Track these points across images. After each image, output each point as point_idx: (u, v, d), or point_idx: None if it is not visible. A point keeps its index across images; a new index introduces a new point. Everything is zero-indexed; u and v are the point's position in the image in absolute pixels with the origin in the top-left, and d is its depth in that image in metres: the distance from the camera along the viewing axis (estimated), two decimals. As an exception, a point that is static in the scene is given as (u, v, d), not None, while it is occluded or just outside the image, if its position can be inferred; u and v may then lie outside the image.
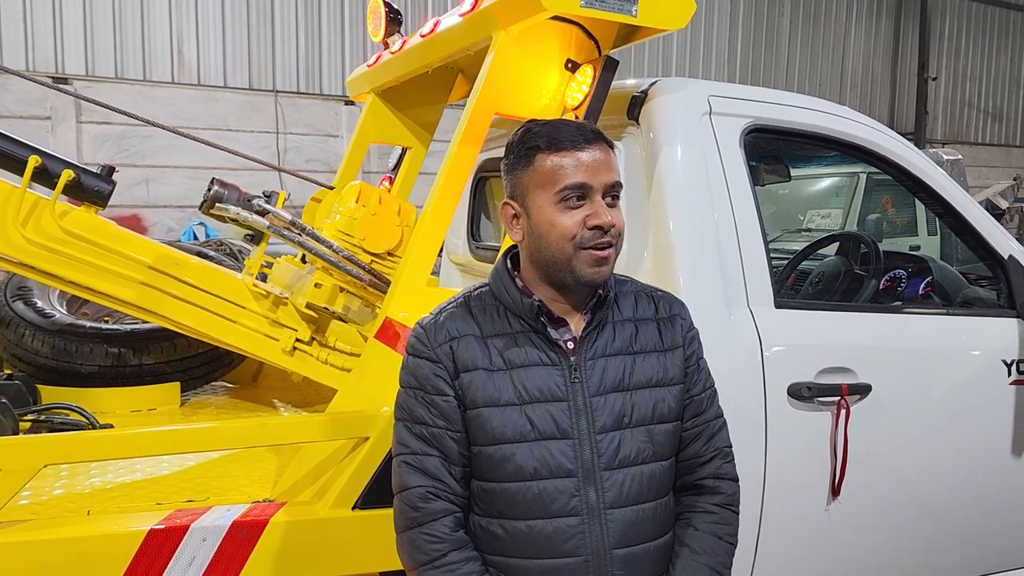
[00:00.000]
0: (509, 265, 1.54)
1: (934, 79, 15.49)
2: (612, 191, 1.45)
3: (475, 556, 1.45)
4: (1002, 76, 16.66)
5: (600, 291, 1.51)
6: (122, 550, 1.58)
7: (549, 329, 1.49)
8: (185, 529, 1.61)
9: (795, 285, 3.07)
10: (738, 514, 1.60)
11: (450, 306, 1.54)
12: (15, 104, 8.18)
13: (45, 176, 2.27)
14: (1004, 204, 10.70)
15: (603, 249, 1.43)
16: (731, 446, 1.63)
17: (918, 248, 7.29)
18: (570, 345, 1.49)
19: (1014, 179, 12.58)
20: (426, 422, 1.46)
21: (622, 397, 1.47)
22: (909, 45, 15.31)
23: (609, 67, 2.09)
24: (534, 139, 1.47)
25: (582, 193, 1.43)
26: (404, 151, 3.20)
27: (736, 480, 1.61)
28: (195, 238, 8.60)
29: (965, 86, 16.19)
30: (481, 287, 1.56)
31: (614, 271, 1.55)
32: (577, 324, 1.51)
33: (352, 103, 9.96)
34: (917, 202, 7.82)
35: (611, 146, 1.50)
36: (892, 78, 15.24)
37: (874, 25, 14.89)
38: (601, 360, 1.48)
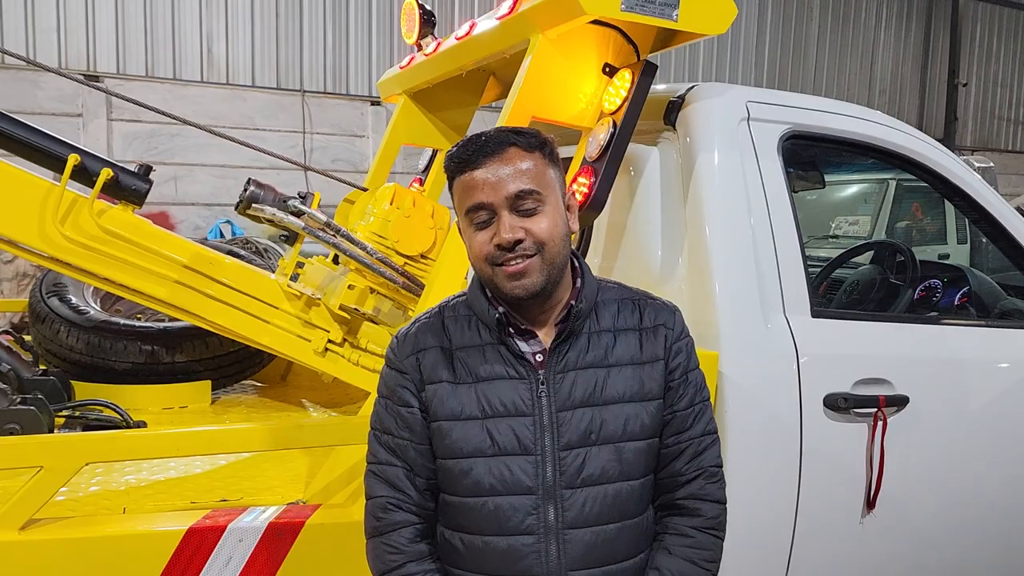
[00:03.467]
0: None
1: (964, 85, 15.27)
2: (520, 201, 1.37)
3: (433, 569, 1.43)
4: (1033, 83, 16.41)
5: (572, 301, 1.45)
6: (161, 548, 1.59)
7: (517, 341, 1.44)
8: (223, 529, 1.62)
9: (828, 293, 3.04)
10: (721, 539, 1.51)
11: (424, 317, 1.52)
12: (48, 101, 8.28)
13: (83, 174, 2.29)
14: (1035, 212, 10.51)
15: (512, 264, 1.37)
16: (720, 466, 1.53)
17: (947, 256, 7.20)
18: (539, 358, 1.43)
19: (1046, 187, 12.37)
20: (392, 432, 1.45)
21: (591, 412, 1.41)
22: (939, 51, 15.12)
23: (648, 72, 2.08)
24: (447, 163, 1.44)
25: (487, 212, 1.38)
26: (435, 153, 3.20)
27: (721, 502, 1.51)
28: (221, 236, 8.66)
29: (996, 92, 15.95)
30: (460, 296, 1.53)
31: (602, 276, 1.52)
32: (547, 336, 1.45)
33: (378, 103, 9.99)
34: (947, 210, 7.70)
35: (534, 146, 1.41)
36: (921, 84, 15.06)
37: (904, 30, 14.72)
38: (571, 373, 1.42)
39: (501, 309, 1.43)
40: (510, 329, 1.43)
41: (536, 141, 1.43)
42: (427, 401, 1.43)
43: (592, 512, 1.40)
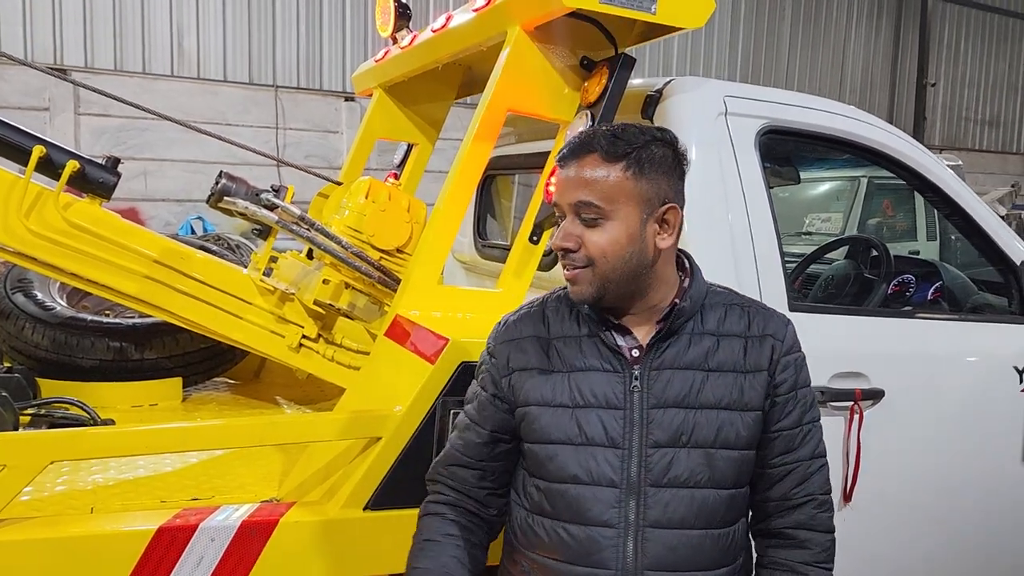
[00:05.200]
0: None
1: (933, 85, 15.51)
2: (582, 210, 1.37)
3: (446, 533, 1.49)
4: (1000, 83, 16.70)
5: (676, 299, 1.44)
6: (130, 548, 1.54)
7: (614, 335, 1.45)
8: (194, 528, 1.58)
9: (803, 288, 3.05)
10: (830, 569, 1.49)
11: (528, 306, 1.56)
12: (13, 95, 8.12)
13: (49, 167, 2.23)
14: (1002, 211, 10.72)
15: (567, 269, 1.40)
16: (829, 492, 1.50)
17: (917, 253, 7.30)
18: (635, 353, 1.43)
19: (1012, 186, 12.61)
20: (470, 406, 1.54)
21: (683, 413, 1.39)
22: (908, 51, 15.33)
23: (626, 65, 2.06)
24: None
25: (562, 212, 1.42)
26: (410, 147, 3.17)
27: (831, 532, 1.49)
28: (192, 232, 8.55)
29: (963, 92, 16.22)
30: (564, 288, 1.54)
31: (711, 282, 1.51)
32: (647, 332, 1.44)
33: (352, 99, 9.92)
34: (917, 207, 7.82)
35: (618, 156, 1.36)
36: (891, 83, 15.26)
37: (874, 30, 14.91)
38: (667, 372, 1.41)
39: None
40: (605, 324, 1.44)
41: (622, 150, 1.36)
42: (513, 388, 1.46)
43: (676, 514, 1.38)
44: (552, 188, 2.06)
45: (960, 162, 9.04)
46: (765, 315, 1.50)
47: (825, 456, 1.51)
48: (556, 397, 1.42)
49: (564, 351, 1.45)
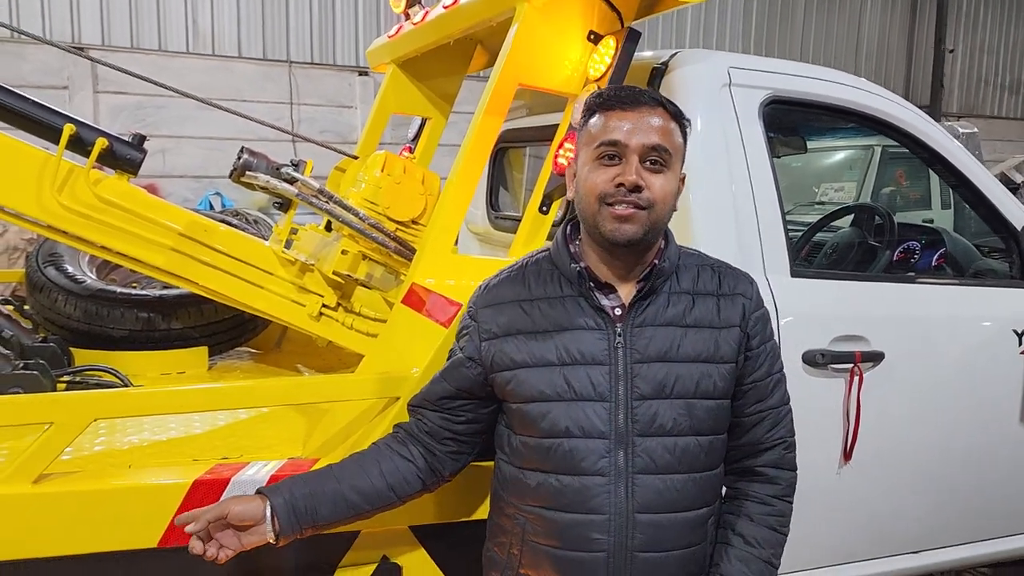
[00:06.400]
0: (568, 231, 1.59)
1: (951, 51, 15.28)
2: (652, 154, 1.45)
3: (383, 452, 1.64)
4: (1020, 49, 16.41)
5: (656, 260, 1.53)
6: (169, 499, 1.66)
7: (597, 294, 1.52)
8: (227, 481, 1.69)
9: (809, 256, 3.11)
10: (792, 503, 1.64)
11: (508, 270, 1.62)
12: (32, 74, 8.21)
13: (78, 144, 2.32)
14: (1019, 178, 10.61)
15: (622, 207, 1.44)
16: (794, 434, 1.65)
17: (931, 222, 7.29)
18: (617, 312, 1.51)
19: (1030, 153, 12.47)
20: (447, 360, 1.63)
21: (666, 367, 1.49)
22: (926, 16, 15.10)
23: (632, 39, 2.12)
24: (595, 99, 1.53)
25: (616, 152, 1.46)
26: (424, 121, 3.23)
27: (795, 469, 1.65)
28: (211, 207, 8.66)
29: (982, 59, 15.97)
30: (543, 252, 1.63)
31: (680, 245, 1.59)
32: (628, 292, 1.53)
33: (366, 74, 9.93)
34: (931, 176, 7.77)
35: (675, 116, 1.50)
36: (908, 50, 15.05)
37: (891, -4, 14.70)
38: (649, 329, 1.50)
39: (583, 264, 1.53)
40: (591, 283, 1.52)
41: (679, 112, 1.52)
42: (492, 353, 1.53)
43: (662, 461, 1.49)
44: (563, 154, 2.12)
45: (976, 129, 8.96)
46: (734, 275, 1.61)
47: (789, 401, 1.64)
48: (543, 356, 1.50)
49: (549, 312, 1.52)
